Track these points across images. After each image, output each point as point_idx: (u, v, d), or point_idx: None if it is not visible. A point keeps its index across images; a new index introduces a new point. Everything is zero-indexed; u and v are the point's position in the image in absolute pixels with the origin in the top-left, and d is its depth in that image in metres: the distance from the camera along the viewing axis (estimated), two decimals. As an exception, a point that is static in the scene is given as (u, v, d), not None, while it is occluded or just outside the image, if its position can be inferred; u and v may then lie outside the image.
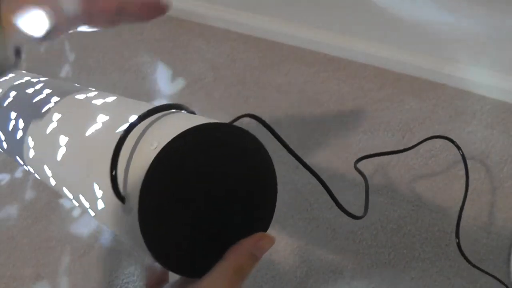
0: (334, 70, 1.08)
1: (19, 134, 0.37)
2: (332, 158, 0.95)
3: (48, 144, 0.34)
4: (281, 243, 0.87)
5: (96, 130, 0.30)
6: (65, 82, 0.43)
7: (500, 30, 0.89)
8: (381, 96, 1.03)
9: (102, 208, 0.28)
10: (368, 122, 1.00)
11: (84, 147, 0.30)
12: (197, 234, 0.26)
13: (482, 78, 0.99)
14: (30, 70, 1.23)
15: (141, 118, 0.27)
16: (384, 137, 0.97)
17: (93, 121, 0.31)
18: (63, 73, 1.18)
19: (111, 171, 0.25)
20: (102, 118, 0.31)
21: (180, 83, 1.11)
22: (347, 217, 0.90)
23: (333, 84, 1.06)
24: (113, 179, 0.25)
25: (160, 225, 0.24)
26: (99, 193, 0.28)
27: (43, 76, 0.45)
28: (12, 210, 0.97)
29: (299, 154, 1.03)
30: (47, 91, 0.39)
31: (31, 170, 0.38)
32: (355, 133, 0.98)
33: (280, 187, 1.01)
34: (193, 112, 0.32)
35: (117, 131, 0.29)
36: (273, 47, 1.14)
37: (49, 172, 0.34)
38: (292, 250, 0.86)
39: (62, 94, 0.37)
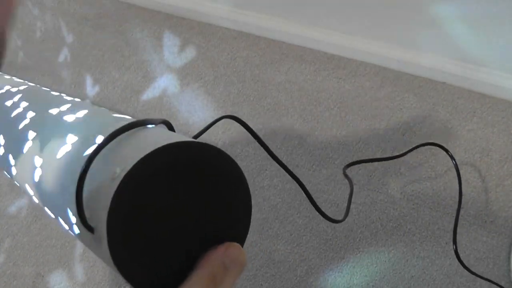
0: (334, 68, 1.08)
1: (1, 150, 0.37)
2: (332, 156, 0.95)
3: (25, 164, 0.34)
4: (281, 242, 0.87)
5: (66, 153, 0.30)
6: (42, 90, 0.42)
7: (501, 29, 0.89)
8: (381, 95, 1.03)
9: (78, 233, 0.29)
10: (368, 120, 0.99)
11: (56, 171, 0.31)
12: (172, 256, 0.26)
13: (482, 77, 0.99)
14: (28, 57, 1.23)
15: (104, 144, 0.27)
16: (384, 135, 0.97)
17: (63, 142, 0.31)
18: (61, 58, 1.18)
19: (77, 203, 0.25)
20: (71, 139, 0.31)
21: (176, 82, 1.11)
22: (348, 216, 0.89)
23: (333, 83, 1.06)
24: (80, 211, 0.25)
25: (133, 254, 0.25)
26: (73, 219, 0.28)
27: (23, 82, 0.45)
28: (12, 208, 0.97)
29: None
30: (24, 104, 0.38)
31: (19, 185, 0.38)
32: (355, 132, 0.98)
33: (280, 186, 1.01)
34: (165, 122, 0.32)
35: (84, 154, 0.29)
36: (273, 45, 1.14)
37: (30, 191, 0.35)
38: (292, 249, 0.86)
39: (37, 108, 0.37)
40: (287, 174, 0.99)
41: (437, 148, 0.95)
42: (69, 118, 0.34)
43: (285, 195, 0.90)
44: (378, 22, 1.01)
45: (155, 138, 0.27)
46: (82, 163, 0.26)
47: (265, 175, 0.93)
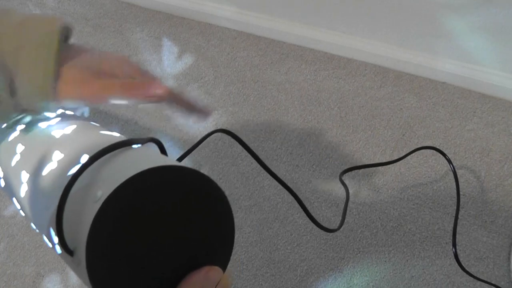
0: (334, 68, 1.08)
1: None
2: (332, 156, 0.95)
3: (13, 178, 0.34)
4: (281, 242, 0.87)
5: (51, 170, 0.30)
6: None
7: (501, 29, 0.89)
8: (381, 95, 1.03)
9: (60, 253, 0.28)
10: (368, 120, 0.99)
11: (41, 189, 0.30)
12: (153, 279, 0.26)
13: (482, 77, 0.99)
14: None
15: (85, 166, 0.26)
16: (384, 135, 0.97)
17: (49, 159, 0.31)
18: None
19: (57, 226, 0.25)
20: (57, 156, 0.31)
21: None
22: (348, 215, 0.90)
23: (333, 83, 1.06)
24: (60, 234, 0.25)
25: (112, 279, 0.24)
26: (55, 238, 0.28)
27: None
28: (12, 208, 0.97)
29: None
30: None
31: (8, 196, 0.38)
32: (355, 132, 0.98)
33: (280, 186, 1.00)
34: (154, 140, 0.32)
35: (68, 173, 0.29)
36: (273, 45, 1.14)
37: (18, 205, 0.34)
38: (293, 249, 0.86)
39: (27, 120, 0.37)
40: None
41: (437, 147, 0.95)
42: (57, 133, 0.34)
43: (285, 195, 0.90)
44: (378, 22, 1.01)
45: (138, 161, 0.27)
46: (65, 182, 0.26)
47: (265, 175, 0.93)
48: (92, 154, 0.27)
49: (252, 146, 0.97)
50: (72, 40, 0.39)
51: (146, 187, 0.25)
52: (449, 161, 0.84)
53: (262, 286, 0.84)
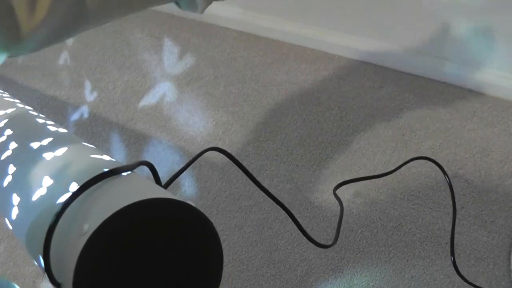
0: (334, 68, 1.08)
1: None
2: (333, 156, 0.95)
3: (5, 199, 0.34)
4: (281, 242, 0.87)
5: (41, 196, 0.30)
6: (28, 115, 0.42)
7: (501, 29, 0.89)
8: (382, 95, 1.03)
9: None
10: (368, 120, 0.99)
11: (30, 215, 0.30)
12: None
13: (482, 77, 0.99)
14: (29, 57, 1.22)
15: (70, 200, 0.26)
16: (385, 135, 0.97)
17: (39, 184, 0.31)
18: (61, 61, 1.18)
19: (44, 262, 0.25)
20: (47, 182, 0.31)
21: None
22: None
23: (333, 83, 1.06)
24: (47, 269, 0.25)
25: None
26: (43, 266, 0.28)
27: (13, 102, 0.44)
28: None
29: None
30: (8, 132, 0.38)
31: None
32: (355, 132, 0.98)
33: (280, 186, 1.01)
34: (145, 163, 0.32)
35: (57, 202, 0.29)
36: (273, 45, 1.13)
37: (10, 226, 0.35)
38: (293, 249, 0.86)
39: (20, 138, 0.37)
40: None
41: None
42: (48, 155, 0.34)
43: (285, 195, 0.90)
44: (379, 22, 1.01)
45: (125, 193, 0.27)
46: (54, 211, 0.26)
47: (265, 175, 0.93)
48: (81, 182, 0.27)
49: (253, 145, 0.97)
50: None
51: (132, 221, 0.25)
52: (444, 172, 0.83)
53: (262, 286, 0.84)
